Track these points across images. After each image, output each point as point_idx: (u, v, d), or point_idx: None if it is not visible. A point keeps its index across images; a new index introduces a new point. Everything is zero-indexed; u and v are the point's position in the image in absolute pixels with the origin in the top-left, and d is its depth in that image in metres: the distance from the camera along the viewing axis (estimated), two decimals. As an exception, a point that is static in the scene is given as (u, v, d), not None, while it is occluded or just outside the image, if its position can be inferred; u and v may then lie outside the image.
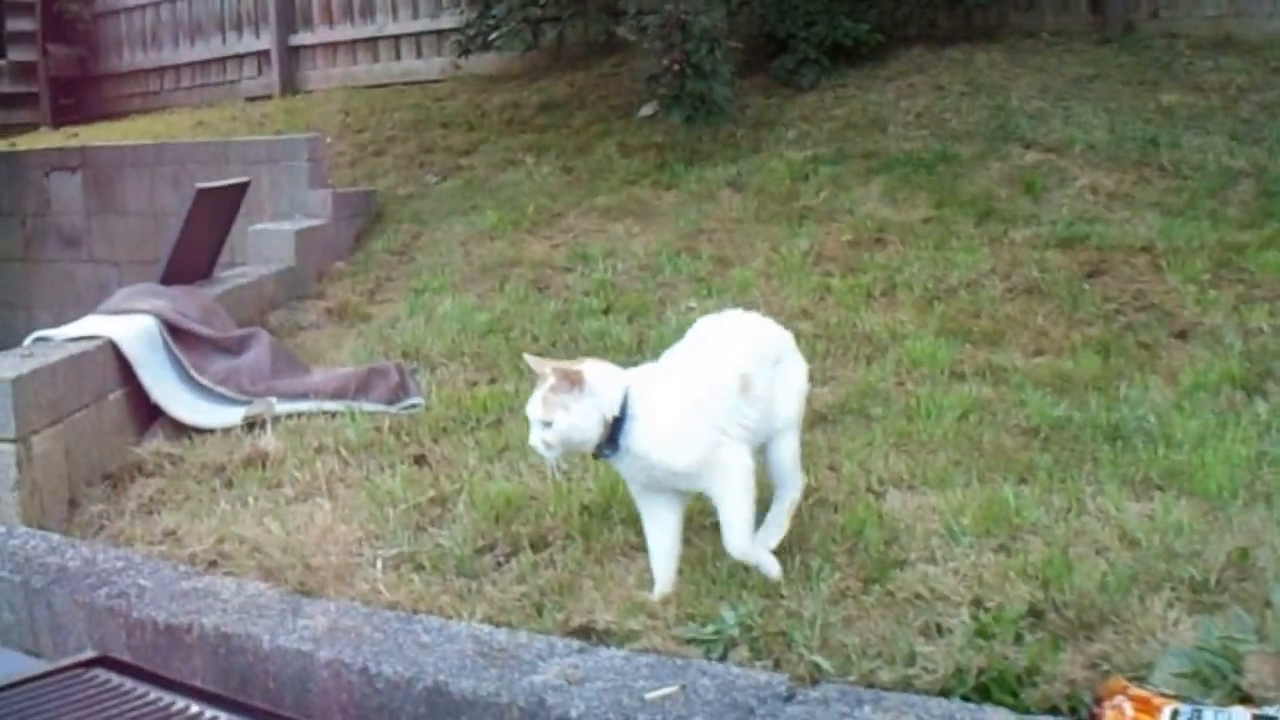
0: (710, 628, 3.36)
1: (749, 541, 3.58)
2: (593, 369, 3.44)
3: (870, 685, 3.06)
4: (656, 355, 5.48)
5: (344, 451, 4.64)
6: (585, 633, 3.40)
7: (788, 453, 3.82)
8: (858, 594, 3.58)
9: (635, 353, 5.62)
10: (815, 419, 4.90)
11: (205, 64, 13.21)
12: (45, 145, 11.30)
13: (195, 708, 2.88)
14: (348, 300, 6.66)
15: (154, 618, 3.39)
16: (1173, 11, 9.67)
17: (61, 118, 13.42)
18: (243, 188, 6.57)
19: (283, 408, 4.94)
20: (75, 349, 4.68)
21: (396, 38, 11.87)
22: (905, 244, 6.95)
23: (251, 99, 12.38)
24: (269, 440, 4.72)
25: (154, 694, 2.85)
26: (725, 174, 8.11)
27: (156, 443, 4.75)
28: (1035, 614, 3.38)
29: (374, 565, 3.80)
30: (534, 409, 3.36)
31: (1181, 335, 5.74)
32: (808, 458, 4.42)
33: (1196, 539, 3.75)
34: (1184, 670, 3.04)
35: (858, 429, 4.83)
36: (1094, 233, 6.86)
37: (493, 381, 5.43)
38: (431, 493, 4.27)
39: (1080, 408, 4.95)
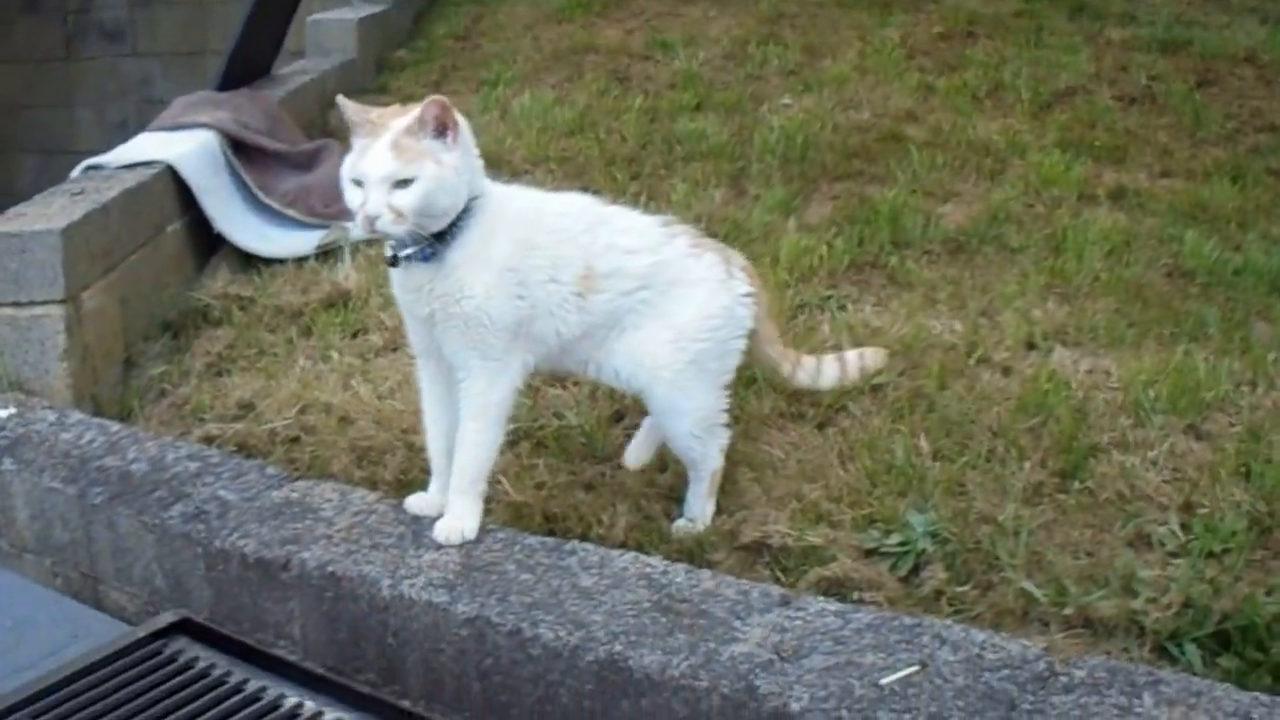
0: (895, 538, 2.54)
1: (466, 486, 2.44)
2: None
3: (1129, 657, 2.21)
4: (761, 160, 4.70)
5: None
6: (760, 550, 2.55)
7: (667, 415, 2.55)
8: (1053, 491, 2.73)
9: (738, 158, 4.71)
10: (950, 245, 4.04)
11: None
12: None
13: (291, 697, 2.06)
14: (414, 94, 5.62)
15: (240, 549, 2.44)
16: None
17: None
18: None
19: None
20: (131, 180, 3.65)
21: None
22: (999, 39, 5.97)
23: None
24: (347, 272, 3.78)
25: (241, 675, 2.07)
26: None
27: (222, 281, 3.79)
28: (1261, 528, 2.55)
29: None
30: (378, 162, 2.19)
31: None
32: (954, 297, 3.57)
33: None
34: None
35: (1001, 263, 3.94)
36: (1195, 37, 5.90)
37: (584, 188, 4.49)
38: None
39: (1232, 247, 4.09)
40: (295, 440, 2.99)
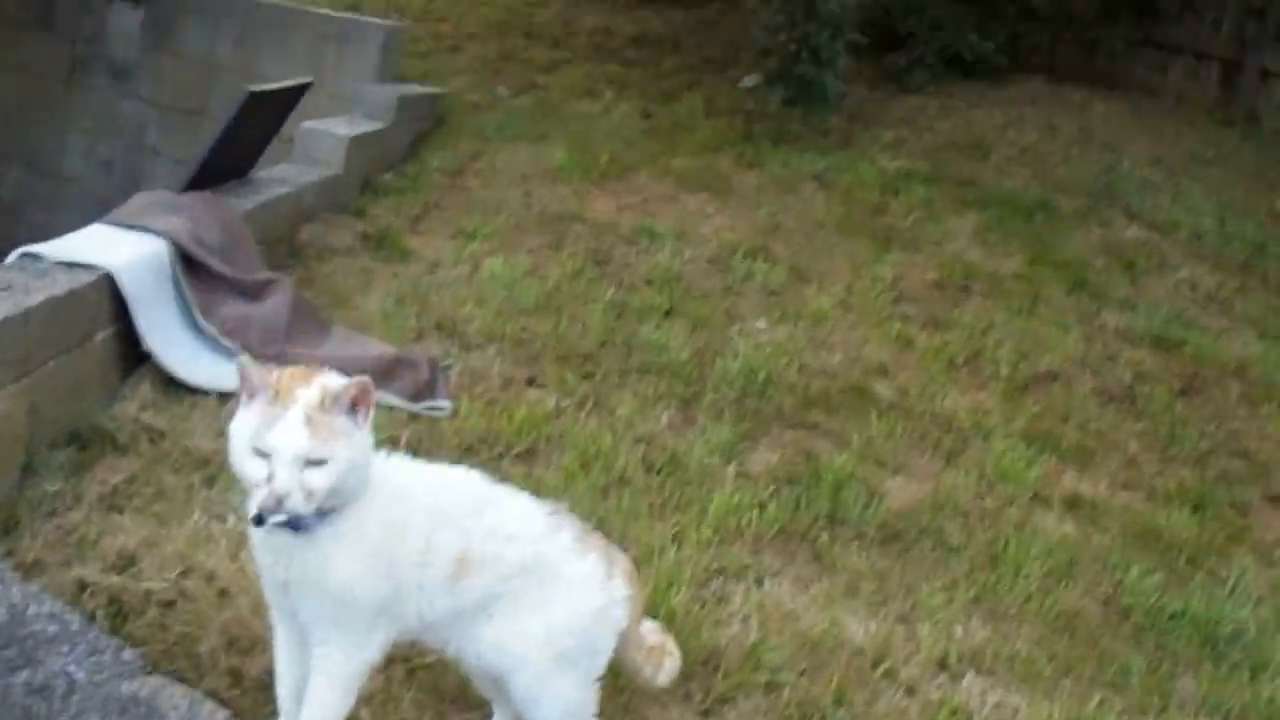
0: None
1: None
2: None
3: None
4: (717, 390, 4.73)
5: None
6: None
7: (530, 704, 2.50)
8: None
9: (695, 381, 4.74)
10: (886, 531, 4.08)
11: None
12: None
13: None
14: (389, 225, 5.71)
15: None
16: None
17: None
18: (301, 90, 5.53)
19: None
20: (64, 284, 3.62)
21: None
22: (992, 299, 6.10)
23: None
24: None
25: None
26: (813, 165, 7.19)
27: (139, 403, 3.77)
28: None
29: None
30: (292, 438, 2.14)
31: (1274, 501, 4.97)
32: (878, 593, 3.60)
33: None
34: None
35: (935, 562, 3.99)
36: (1189, 339, 6.04)
37: (531, 383, 4.52)
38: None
39: (1176, 584, 4.17)
40: (170, 605, 2.96)
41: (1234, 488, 4.95)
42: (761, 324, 5.39)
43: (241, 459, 2.19)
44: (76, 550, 3.14)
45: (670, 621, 3.00)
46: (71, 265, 3.76)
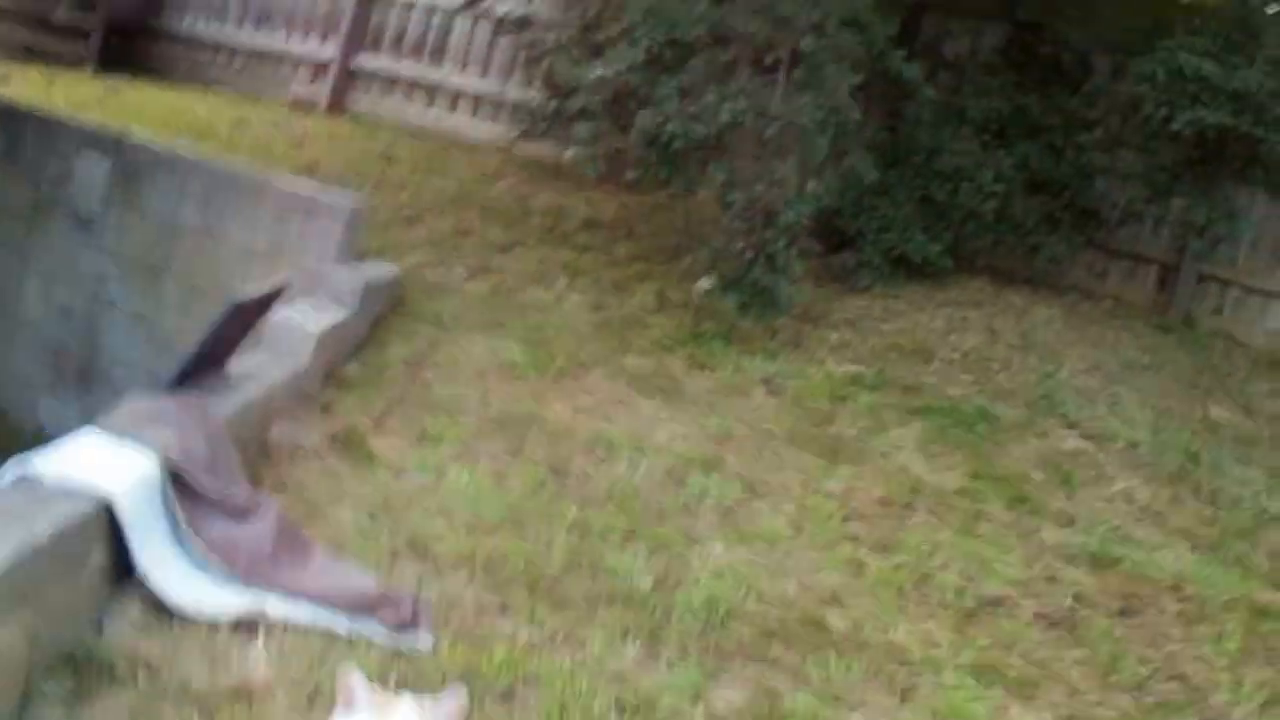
0: None
1: None
2: None
3: None
4: (682, 621, 4.96)
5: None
6: None
7: None
8: None
9: (659, 612, 4.98)
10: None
11: (262, 54, 12.47)
12: (83, 96, 10.54)
13: None
14: (355, 425, 5.91)
15: None
16: (1237, 315, 9.24)
17: (107, 61, 12.51)
18: (278, 293, 5.79)
19: (279, 610, 4.19)
20: (67, 513, 3.79)
21: (457, 92, 11.19)
22: (937, 516, 6.41)
23: (297, 103, 11.62)
24: (258, 659, 3.97)
25: None
26: (763, 369, 7.54)
27: (129, 626, 3.93)
28: None
29: None
30: None
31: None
32: None
33: None
34: None
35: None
36: (1127, 557, 6.34)
37: (504, 610, 4.74)
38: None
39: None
40: None
41: (1172, 715, 5.20)
42: (718, 548, 5.62)
43: None
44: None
45: None
46: (69, 493, 3.93)
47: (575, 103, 7.96)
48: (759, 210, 7.44)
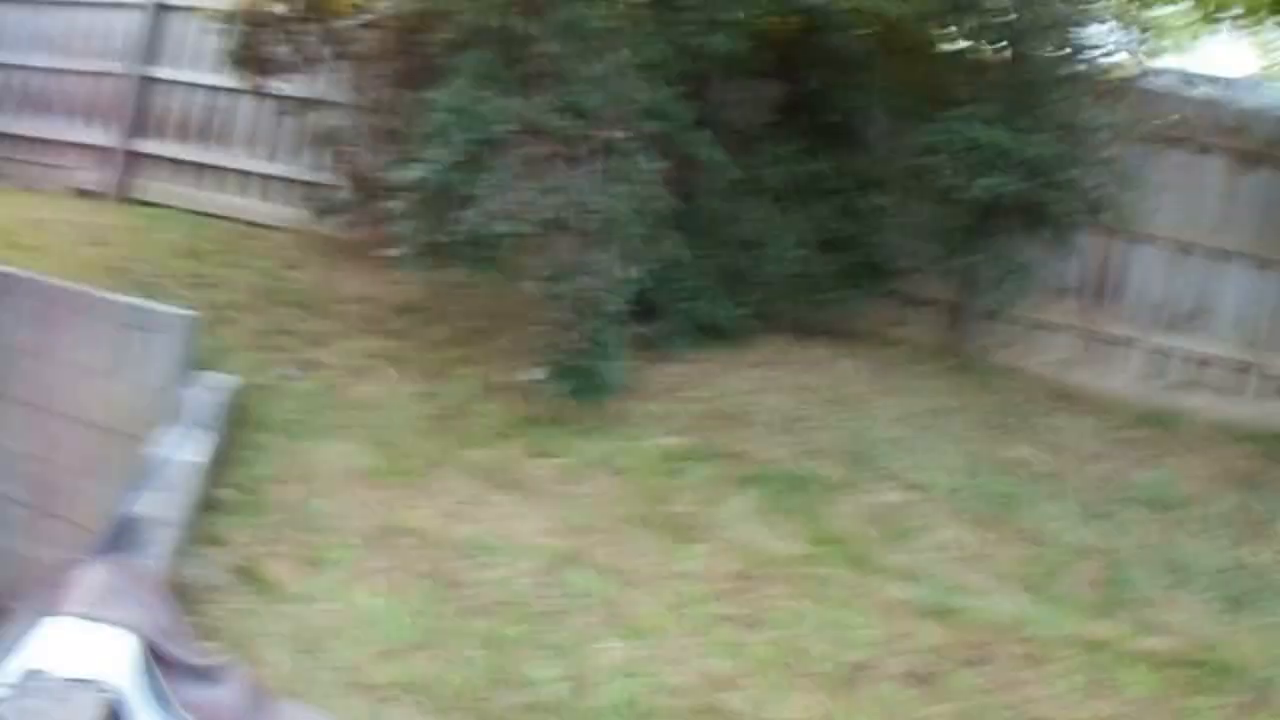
0: None
1: None
2: None
3: None
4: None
5: None
6: None
7: None
8: None
9: (567, 716, 5.54)
10: None
11: (43, 143, 12.53)
12: None
13: None
14: (250, 555, 6.25)
15: None
16: (1021, 349, 10.23)
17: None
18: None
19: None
20: (88, 707, 4.18)
21: (246, 173, 11.49)
22: (791, 585, 7.01)
23: (83, 192, 11.74)
24: None
25: None
26: (599, 450, 8.09)
27: None
28: None
29: None
30: None
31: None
32: None
33: None
34: None
35: None
36: (966, 607, 7.04)
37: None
38: None
39: None
40: None
41: (1041, 773, 5.93)
42: (617, 646, 6.15)
43: None
44: None
45: None
46: (74, 681, 4.29)
47: (393, 204, 8.34)
48: (586, 300, 7.98)
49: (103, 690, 4.30)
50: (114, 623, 4.66)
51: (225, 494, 6.90)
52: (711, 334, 9.52)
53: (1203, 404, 10.09)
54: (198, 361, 7.87)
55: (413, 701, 5.37)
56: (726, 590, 6.91)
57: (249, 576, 6.11)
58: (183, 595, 5.78)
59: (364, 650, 5.64)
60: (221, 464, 7.03)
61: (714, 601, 6.77)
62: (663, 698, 5.81)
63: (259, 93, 11.26)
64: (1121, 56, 9.91)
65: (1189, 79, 10.86)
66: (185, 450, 6.63)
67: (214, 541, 6.36)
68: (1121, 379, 10.31)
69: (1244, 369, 10.26)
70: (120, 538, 5.35)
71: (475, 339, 9.30)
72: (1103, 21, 9.85)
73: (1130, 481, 8.79)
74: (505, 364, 8.89)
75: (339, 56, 10.53)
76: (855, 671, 6.37)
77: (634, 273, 8.28)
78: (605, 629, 6.33)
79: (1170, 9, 12.52)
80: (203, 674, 4.89)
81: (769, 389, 9.14)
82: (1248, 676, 6.78)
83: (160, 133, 12.02)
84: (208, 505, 6.64)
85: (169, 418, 7.01)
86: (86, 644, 4.54)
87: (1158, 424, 9.73)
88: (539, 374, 8.38)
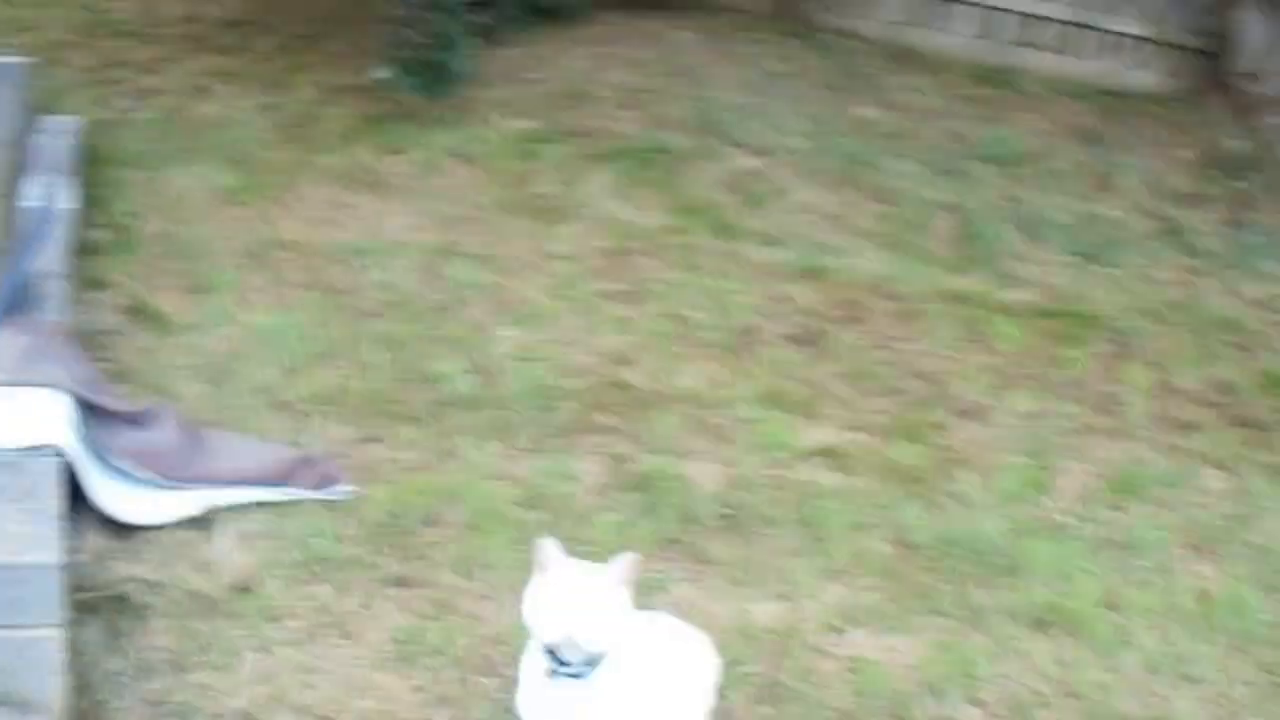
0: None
1: None
2: None
3: None
4: (520, 413, 5.64)
5: (318, 568, 4.45)
6: None
7: None
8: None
9: (499, 408, 5.61)
10: (725, 520, 5.11)
11: None
12: None
13: None
14: (138, 293, 6.09)
15: None
16: (855, 11, 10.32)
17: None
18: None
19: (221, 499, 4.68)
20: (40, 472, 4.04)
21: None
22: (660, 258, 7.21)
23: None
24: (229, 551, 4.44)
25: None
26: (451, 140, 8.08)
27: (94, 554, 4.28)
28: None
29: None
30: (581, 594, 3.08)
31: (962, 414, 6.24)
32: (750, 573, 4.73)
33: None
34: None
35: (768, 537, 5.04)
36: (834, 267, 7.33)
37: (378, 440, 5.28)
38: (463, 640, 4.19)
39: (934, 511, 5.39)
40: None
41: (926, 409, 6.15)
42: (510, 334, 6.26)
43: (538, 612, 3.11)
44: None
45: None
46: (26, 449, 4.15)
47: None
48: (426, 0, 7.85)
49: (59, 454, 4.24)
50: (41, 384, 4.53)
51: (98, 236, 6.70)
52: (545, 16, 9.45)
53: (1040, 62, 10.32)
54: (38, 107, 7.63)
55: (332, 413, 5.37)
56: (602, 267, 7.02)
57: (140, 314, 5.98)
58: (83, 344, 5.71)
59: (270, 370, 5.60)
60: (87, 206, 6.79)
61: (593, 279, 6.87)
62: (568, 379, 5.91)
63: None
64: None
65: None
66: (53, 198, 6.43)
67: (98, 285, 6.18)
68: (958, 39, 10.43)
69: (1081, 26, 10.38)
70: (16, 297, 5.18)
71: (307, 47, 9.10)
72: None
73: (975, 139, 9.06)
74: (343, 67, 8.74)
75: None
76: (742, 337, 6.56)
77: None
78: (495, 318, 6.39)
79: None
80: (134, 419, 4.82)
81: (609, 66, 9.13)
82: (1110, 326, 7.20)
83: None
84: (84, 250, 6.43)
85: (27, 168, 6.79)
86: (21, 410, 4.37)
87: (997, 83, 9.98)
88: (384, 73, 8.26)
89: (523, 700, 3.35)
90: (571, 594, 3.10)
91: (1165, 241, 8.47)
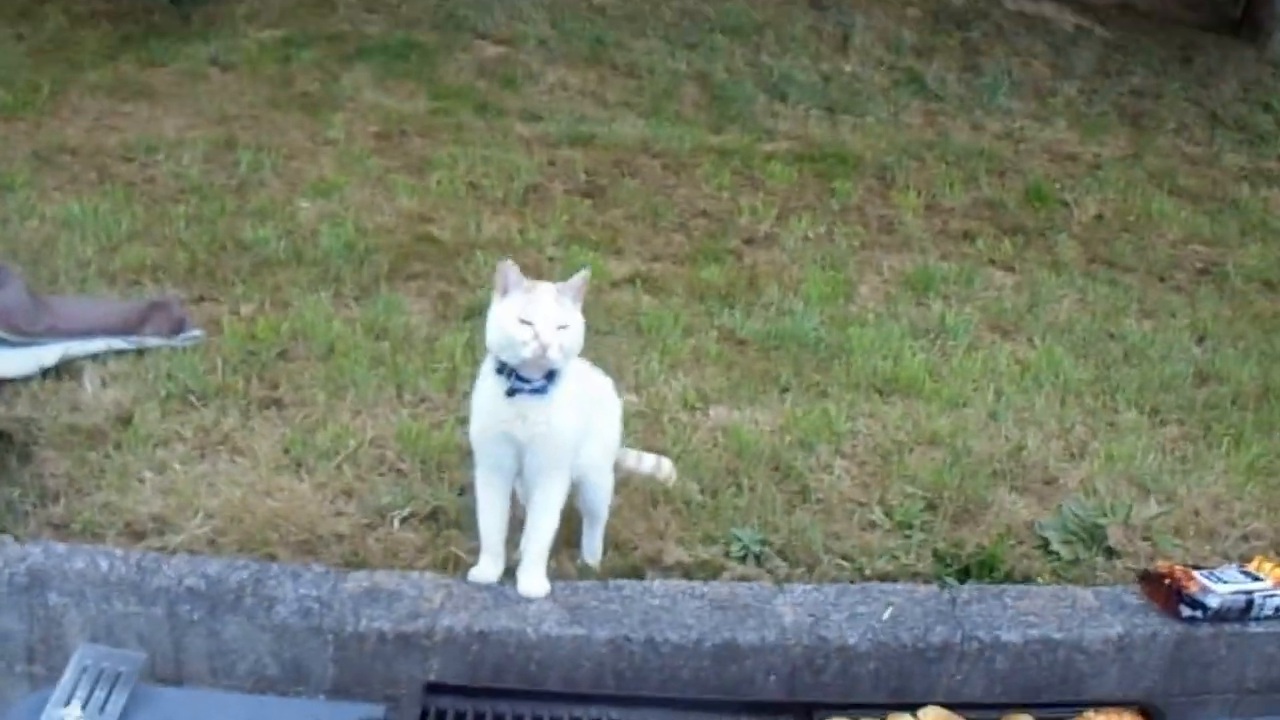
0: (735, 546, 3.83)
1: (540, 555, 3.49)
2: None
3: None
4: (338, 264, 5.59)
5: (194, 398, 4.38)
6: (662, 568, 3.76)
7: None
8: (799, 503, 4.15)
9: (312, 257, 5.60)
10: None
11: None
12: None
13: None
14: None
15: (378, 627, 3.30)
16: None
17: None
18: None
19: (76, 350, 4.55)
20: None
21: None
22: (436, 137, 7.20)
23: None
24: (99, 391, 4.35)
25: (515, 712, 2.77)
26: (205, 52, 7.98)
27: None
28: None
29: (393, 526, 3.80)
30: (550, 309, 3.10)
31: (754, 242, 6.43)
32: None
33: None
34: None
35: (620, 347, 5.11)
36: (598, 134, 7.44)
37: (213, 300, 5.21)
38: (352, 442, 4.17)
39: (747, 315, 5.54)
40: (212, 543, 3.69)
41: (718, 240, 6.30)
42: (308, 203, 6.20)
43: (510, 329, 3.12)
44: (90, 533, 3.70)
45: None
46: None
47: None
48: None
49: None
50: None
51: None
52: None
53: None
54: None
55: (160, 279, 5.26)
56: (381, 147, 6.98)
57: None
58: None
59: (88, 248, 5.39)
60: None
61: (376, 157, 6.82)
62: (377, 236, 5.86)
63: None
64: None
65: None
66: None
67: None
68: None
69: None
70: None
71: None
72: None
73: (711, 14, 9.25)
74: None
75: None
76: (529, 194, 6.60)
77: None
78: (291, 193, 6.29)
79: None
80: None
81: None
82: (870, 164, 7.45)
83: None
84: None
85: None
86: None
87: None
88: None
89: (479, 428, 3.40)
90: (539, 309, 3.14)
91: (907, 90, 8.81)
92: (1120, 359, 5.52)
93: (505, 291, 3.19)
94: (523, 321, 3.13)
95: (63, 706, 2.41)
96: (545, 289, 3.19)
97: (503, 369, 3.24)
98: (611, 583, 3.59)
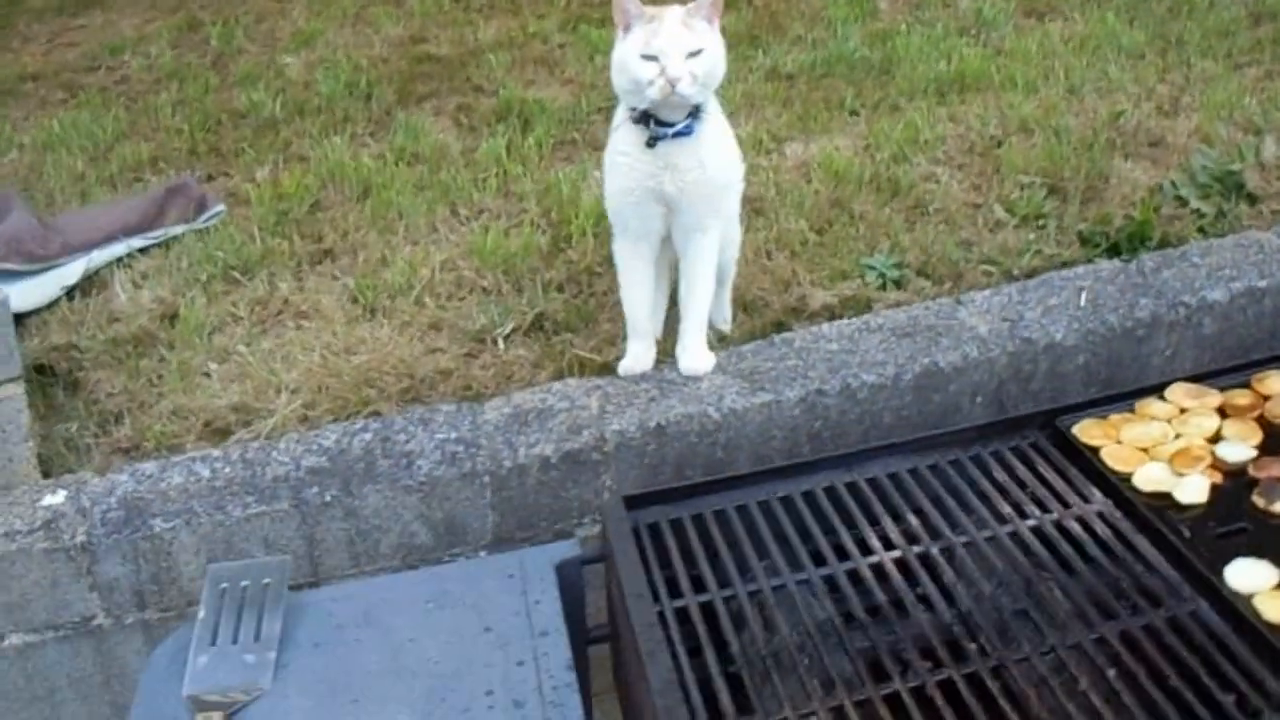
0: (871, 275, 3.34)
1: (701, 325, 2.94)
2: None
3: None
4: (324, 110, 4.95)
5: (238, 274, 3.74)
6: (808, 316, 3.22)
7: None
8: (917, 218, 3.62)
9: (304, 115, 4.94)
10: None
11: None
12: None
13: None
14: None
15: (538, 453, 2.73)
16: None
17: None
18: None
19: (98, 259, 3.91)
20: None
21: None
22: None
23: None
24: (135, 296, 3.66)
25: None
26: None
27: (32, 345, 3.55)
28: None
29: (498, 347, 3.20)
30: (675, 37, 2.50)
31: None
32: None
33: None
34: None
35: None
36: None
37: (222, 174, 4.55)
38: (425, 271, 3.57)
39: (787, 50, 5.05)
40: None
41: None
42: (289, 59, 5.55)
43: (634, 68, 2.53)
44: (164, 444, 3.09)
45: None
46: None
47: None
48: None
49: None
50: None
51: None
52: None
53: None
54: None
55: (162, 168, 4.60)
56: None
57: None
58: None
59: (77, 161, 4.61)
60: None
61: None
62: (375, 69, 5.32)
63: None
64: None
65: None
66: None
67: None
68: None
69: None
70: None
71: None
72: None
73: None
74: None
75: None
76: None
77: None
78: (272, 53, 5.72)
79: None
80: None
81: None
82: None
83: None
84: None
85: None
86: None
87: None
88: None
89: (619, 190, 2.78)
90: (664, 39, 2.52)
91: None
92: (1167, 15, 5.04)
93: (627, 28, 2.57)
94: (646, 58, 2.52)
95: (209, 646, 1.82)
96: (671, 14, 2.54)
97: (642, 118, 2.63)
98: (777, 338, 2.98)
